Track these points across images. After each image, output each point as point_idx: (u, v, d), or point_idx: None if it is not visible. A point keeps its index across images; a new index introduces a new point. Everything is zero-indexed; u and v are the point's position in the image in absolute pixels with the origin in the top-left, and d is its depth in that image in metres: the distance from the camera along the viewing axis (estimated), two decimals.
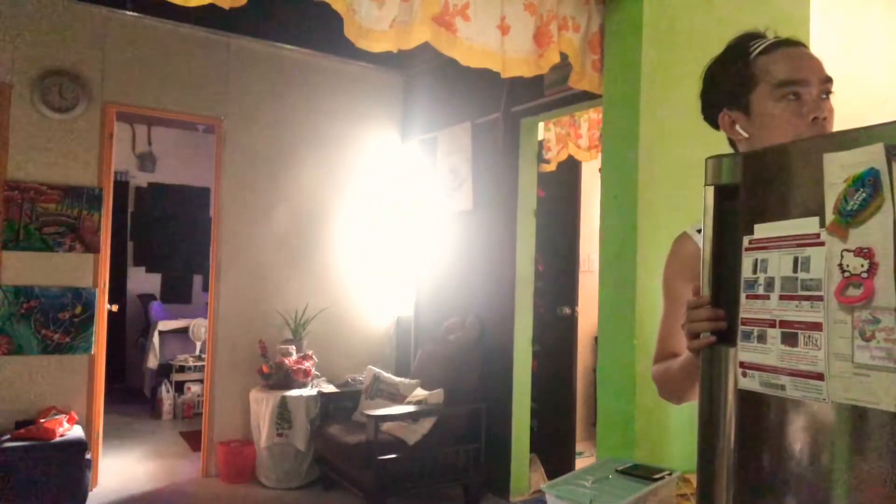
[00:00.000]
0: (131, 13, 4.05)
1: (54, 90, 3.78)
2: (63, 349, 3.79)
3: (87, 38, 3.92)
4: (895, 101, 3.03)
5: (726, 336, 1.02)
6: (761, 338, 0.94)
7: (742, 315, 0.98)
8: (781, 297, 0.92)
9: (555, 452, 4.15)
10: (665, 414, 2.61)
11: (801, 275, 0.90)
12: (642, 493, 2.07)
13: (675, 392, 1.38)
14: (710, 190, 1.04)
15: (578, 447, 4.29)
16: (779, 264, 0.93)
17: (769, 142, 1.23)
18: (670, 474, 2.23)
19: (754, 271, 0.96)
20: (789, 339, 0.91)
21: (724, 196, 1.03)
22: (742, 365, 0.97)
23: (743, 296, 0.98)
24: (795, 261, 0.91)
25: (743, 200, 1.01)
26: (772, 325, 0.93)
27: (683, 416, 2.63)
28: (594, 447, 2.90)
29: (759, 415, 0.96)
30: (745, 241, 0.99)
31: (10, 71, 3.72)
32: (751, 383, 0.96)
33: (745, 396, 0.98)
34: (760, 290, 0.95)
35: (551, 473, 3.97)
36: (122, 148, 6.45)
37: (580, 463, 4.10)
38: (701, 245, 1.32)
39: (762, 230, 0.96)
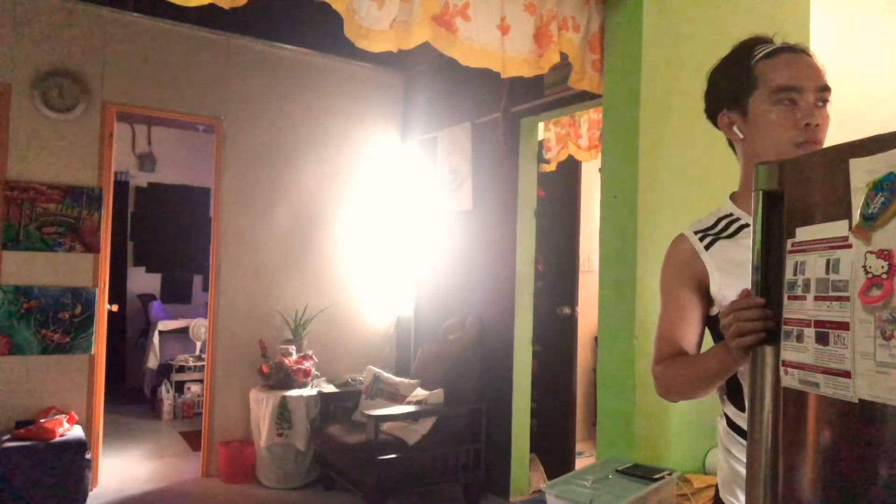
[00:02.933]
0: (131, 13, 4.05)
1: (54, 90, 3.78)
2: (63, 349, 3.79)
3: (87, 38, 3.92)
4: (895, 101, 3.03)
5: (770, 336, 1.05)
6: (799, 337, 0.99)
7: (784, 315, 1.02)
8: (816, 298, 0.97)
9: (555, 452, 4.15)
10: (665, 414, 2.61)
11: (832, 276, 0.94)
12: (642, 493, 2.07)
13: (683, 391, 1.38)
14: (759, 195, 1.07)
15: (578, 447, 4.29)
16: (814, 266, 0.97)
17: (762, 144, 1.27)
18: (670, 474, 2.23)
19: (794, 273, 1.01)
20: (822, 338, 0.95)
21: (772, 201, 1.06)
22: (784, 363, 1.01)
23: (785, 297, 1.02)
24: (828, 263, 0.95)
25: (787, 205, 1.05)
26: (808, 324, 0.97)
27: (683, 416, 2.63)
28: (594, 447, 2.90)
29: (800, 412, 1.00)
30: (788, 244, 1.03)
31: (10, 71, 3.72)
32: (791, 381, 1.00)
33: (787, 394, 1.02)
34: (799, 291, 1.00)
35: (551, 473, 3.97)
36: (122, 148, 6.46)
37: (580, 463, 4.10)
38: (696, 247, 1.33)
39: (802, 234, 1.01)
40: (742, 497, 1.28)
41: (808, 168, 1.03)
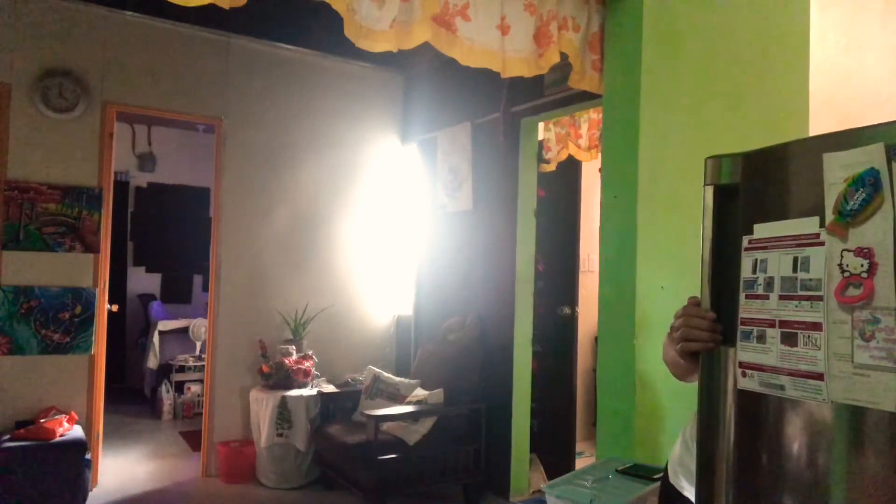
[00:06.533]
0: (131, 13, 4.05)
1: (54, 90, 3.78)
2: (63, 349, 3.79)
3: (87, 38, 3.92)
4: (895, 101, 3.03)
5: (726, 336, 1.02)
6: (761, 338, 0.94)
7: (741, 315, 0.97)
8: (781, 297, 0.92)
9: (555, 452, 4.15)
10: (665, 414, 2.61)
11: (801, 275, 0.90)
12: (642, 493, 2.07)
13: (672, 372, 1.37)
14: (710, 190, 1.04)
15: (578, 447, 4.29)
16: (778, 264, 0.93)
17: None
18: None
19: (754, 271, 0.96)
20: (789, 339, 0.91)
21: (724, 196, 1.03)
22: (742, 365, 0.97)
23: (742, 296, 0.98)
24: (795, 261, 0.91)
25: (742, 200, 1.00)
26: (771, 324, 0.93)
27: (683, 417, 2.63)
28: (594, 447, 2.90)
29: (759, 415, 0.96)
30: (745, 240, 0.98)
31: (10, 71, 3.72)
32: (750, 383, 0.96)
33: (744, 396, 0.97)
34: (760, 290, 0.95)
35: (551, 473, 3.97)
36: (122, 148, 6.45)
37: (580, 463, 4.10)
38: None
39: (762, 230, 0.96)
40: (685, 484, 1.28)
41: (768, 163, 0.99)
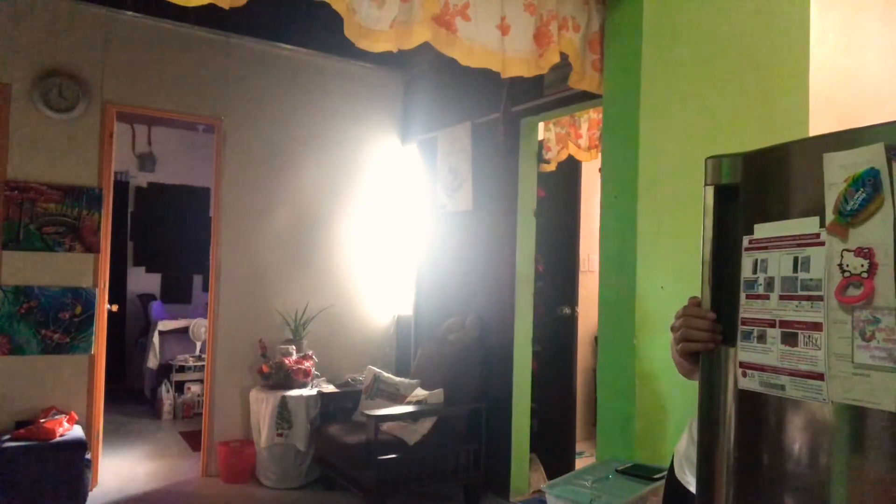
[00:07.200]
0: (131, 13, 4.05)
1: (54, 90, 3.78)
2: (63, 349, 3.79)
3: (87, 38, 3.92)
4: (895, 101, 3.04)
5: (726, 336, 1.02)
6: (761, 338, 0.94)
7: (742, 315, 0.97)
8: (781, 297, 0.92)
9: (555, 452, 4.15)
10: (665, 414, 2.61)
11: (801, 275, 0.90)
12: (642, 493, 2.07)
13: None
14: (710, 190, 1.04)
15: (578, 447, 4.29)
16: (779, 264, 0.93)
17: None
18: None
19: (754, 271, 0.96)
20: (789, 339, 0.91)
21: (724, 196, 1.03)
22: (742, 365, 0.97)
23: (743, 296, 0.98)
24: (795, 261, 0.91)
25: (743, 200, 1.00)
26: (771, 324, 0.93)
27: (683, 417, 2.63)
28: (594, 447, 2.90)
29: (759, 415, 0.96)
30: (745, 240, 0.98)
31: (10, 71, 3.72)
32: (751, 383, 0.96)
33: (744, 396, 0.97)
34: (760, 290, 0.95)
35: (551, 473, 3.97)
36: (122, 148, 6.46)
37: (580, 463, 4.10)
38: None
39: (762, 230, 0.96)
40: (690, 479, 1.28)
41: (768, 163, 0.99)
